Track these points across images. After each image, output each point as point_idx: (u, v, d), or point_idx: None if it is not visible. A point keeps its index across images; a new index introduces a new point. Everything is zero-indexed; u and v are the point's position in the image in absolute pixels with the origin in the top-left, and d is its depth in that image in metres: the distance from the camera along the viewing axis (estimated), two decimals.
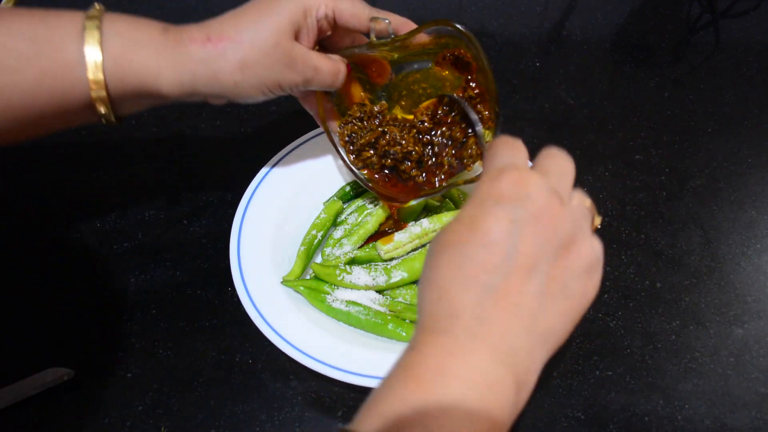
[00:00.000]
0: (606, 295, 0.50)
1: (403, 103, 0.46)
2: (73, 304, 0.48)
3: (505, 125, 0.62)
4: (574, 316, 0.28)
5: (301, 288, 0.45)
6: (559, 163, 0.30)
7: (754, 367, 0.46)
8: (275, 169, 0.51)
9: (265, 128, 0.62)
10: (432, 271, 0.27)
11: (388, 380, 0.25)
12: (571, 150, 0.63)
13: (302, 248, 0.48)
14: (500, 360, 0.25)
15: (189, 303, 0.46)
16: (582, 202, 0.30)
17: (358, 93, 0.47)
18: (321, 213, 0.51)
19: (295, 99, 0.64)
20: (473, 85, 0.42)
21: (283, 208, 0.50)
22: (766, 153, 0.62)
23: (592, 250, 0.28)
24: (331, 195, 0.53)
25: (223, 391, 0.44)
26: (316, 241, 0.49)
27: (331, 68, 0.42)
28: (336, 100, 0.47)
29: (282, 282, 0.45)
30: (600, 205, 0.56)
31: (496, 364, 0.25)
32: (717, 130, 0.64)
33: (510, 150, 0.29)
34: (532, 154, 0.52)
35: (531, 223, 0.26)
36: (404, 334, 0.43)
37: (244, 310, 0.43)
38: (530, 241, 0.26)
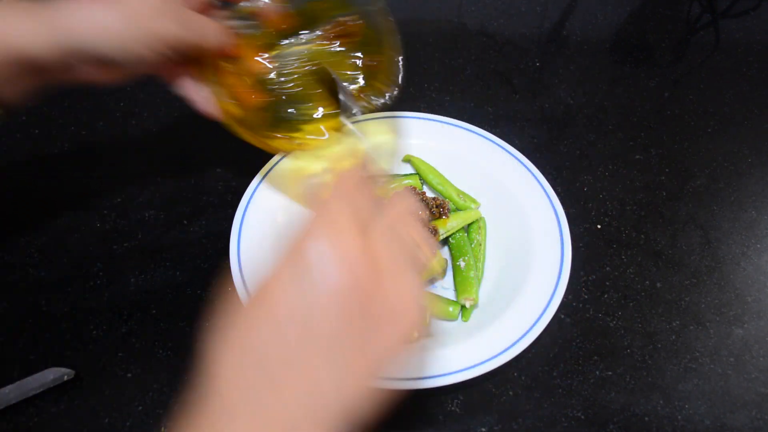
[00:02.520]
0: (606, 295, 0.50)
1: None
2: (73, 304, 0.48)
3: (505, 125, 0.63)
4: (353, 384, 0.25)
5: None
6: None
7: (754, 367, 0.46)
8: (275, 169, 0.51)
9: None
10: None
11: None
12: (571, 150, 0.63)
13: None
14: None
15: (189, 303, 0.46)
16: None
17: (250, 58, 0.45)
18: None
19: None
20: (361, 56, 0.42)
21: (284, 208, 0.50)
22: (766, 153, 0.62)
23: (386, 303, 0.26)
24: None
25: None
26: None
27: (218, 28, 0.40)
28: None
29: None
30: (600, 205, 0.56)
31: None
32: (717, 130, 0.64)
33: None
34: (532, 154, 0.52)
35: (324, 305, 0.25)
36: None
37: None
38: (324, 323, 0.25)
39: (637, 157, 0.61)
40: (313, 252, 0.25)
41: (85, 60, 0.37)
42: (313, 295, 0.25)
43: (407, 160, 0.55)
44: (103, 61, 0.37)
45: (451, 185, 0.53)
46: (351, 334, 0.25)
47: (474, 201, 0.52)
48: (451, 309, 0.45)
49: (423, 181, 0.54)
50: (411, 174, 0.54)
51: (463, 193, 0.53)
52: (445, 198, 0.52)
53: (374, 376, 0.26)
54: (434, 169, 0.54)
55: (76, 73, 0.38)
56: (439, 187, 0.53)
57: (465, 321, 0.46)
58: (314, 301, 0.25)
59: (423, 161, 0.54)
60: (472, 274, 0.47)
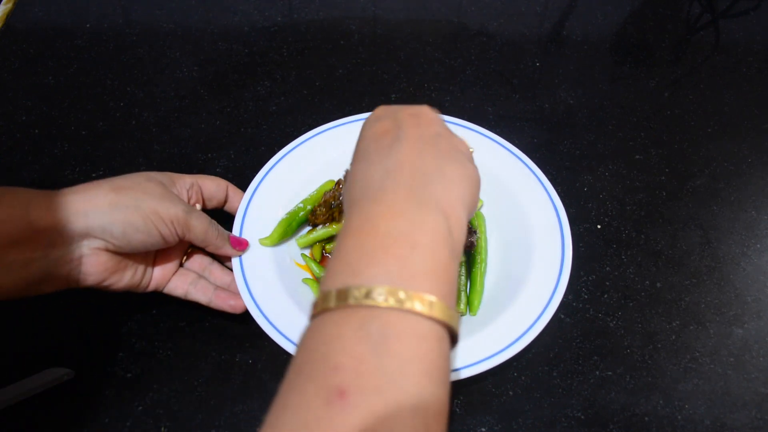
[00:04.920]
0: (606, 295, 0.50)
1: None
2: (73, 304, 0.48)
3: (505, 125, 0.63)
4: (471, 176, 0.33)
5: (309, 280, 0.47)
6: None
7: (754, 367, 0.46)
8: (275, 169, 0.51)
9: (265, 128, 0.62)
10: (350, 176, 0.34)
11: (339, 239, 0.29)
12: (571, 150, 0.63)
13: (285, 216, 0.49)
14: (418, 198, 0.30)
15: (189, 303, 0.46)
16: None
17: None
18: (313, 191, 0.52)
19: (294, 101, 0.65)
20: None
21: (284, 208, 0.50)
22: (766, 153, 0.62)
23: (460, 141, 0.36)
24: None
25: (223, 391, 0.44)
26: (301, 213, 0.49)
27: (206, 220, 0.43)
28: None
29: (259, 241, 0.47)
30: (600, 205, 0.56)
31: (415, 203, 0.29)
32: (717, 130, 0.64)
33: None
34: (532, 154, 0.52)
35: (409, 118, 0.34)
36: None
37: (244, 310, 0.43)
38: (413, 129, 0.33)
39: (637, 157, 0.61)
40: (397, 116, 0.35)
41: (85, 236, 0.39)
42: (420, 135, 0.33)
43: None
44: (102, 235, 0.39)
45: None
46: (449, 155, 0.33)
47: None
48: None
49: None
50: None
51: None
52: None
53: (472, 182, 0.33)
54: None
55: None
56: None
57: (473, 315, 0.46)
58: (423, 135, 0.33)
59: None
60: (460, 287, 0.47)
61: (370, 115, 0.36)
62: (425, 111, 0.35)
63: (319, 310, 0.26)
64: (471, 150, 0.37)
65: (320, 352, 0.25)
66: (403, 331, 0.25)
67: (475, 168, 0.34)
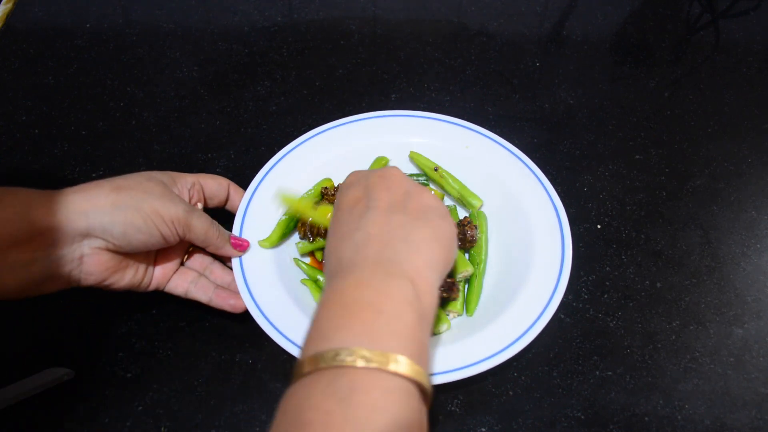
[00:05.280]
0: (606, 295, 0.50)
1: None
2: (73, 304, 0.48)
3: (505, 125, 0.63)
4: (439, 237, 0.35)
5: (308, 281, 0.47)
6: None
7: (754, 367, 0.46)
8: (275, 169, 0.51)
9: (265, 128, 0.62)
10: (327, 246, 0.36)
11: (317, 316, 0.31)
12: (571, 150, 0.63)
13: (284, 217, 0.49)
14: (384, 269, 0.32)
15: (189, 303, 0.46)
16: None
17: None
18: (311, 189, 0.52)
19: (294, 101, 0.65)
20: None
21: (284, 208, 0.50)
22: (766, 153, 0.62)
23: (430, 196, 0.37)
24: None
25: (223, 391, 0.44)
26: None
27: (207, 221, 0.43)
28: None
29: (258, 243, 0.47)
30: (600, 205, 0.56)
31: (382, 274, 0.31)
32: (717, 130, 0.64)
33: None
34: (532, 154, 0.52)
35: (379, 181, 0.37)
36: None
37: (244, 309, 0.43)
38: (383, 193, 0.36)
39: (637, 157, 0.61)
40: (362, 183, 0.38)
41: (87, 238, 0.39)
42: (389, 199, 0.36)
43: (411, 157, 0.55)
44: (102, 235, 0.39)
45: (457, 180, 0.53)
46: (419, 220, 0.35)
47: (477, 198, 0.52)
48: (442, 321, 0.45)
49: (426, 177, 0.54)
50: (416, 174, 0.55)
51: (466, 190, 0.52)
52: (448, 193, 0.53)
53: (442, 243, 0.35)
54: (438, 166, 0.54)
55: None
56: (448, 184, 0.52)
57: (470, 315, 0.46)
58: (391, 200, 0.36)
59: (427, 158, 0.54)
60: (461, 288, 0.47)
61: (344, 182, 0.39)
62: (393, 172, 0.38)
63: (296, 378, 0.28)
64: (445, 207, 0.38)
65: (294, 411, 0.27)
66: (370, 385, 0.27)
67: (447, 222, 0.36)
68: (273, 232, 0.48)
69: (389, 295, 0.30)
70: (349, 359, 0.27)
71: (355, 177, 0.39)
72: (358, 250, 0.33)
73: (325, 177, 0.52)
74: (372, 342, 0.28)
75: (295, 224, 0.50)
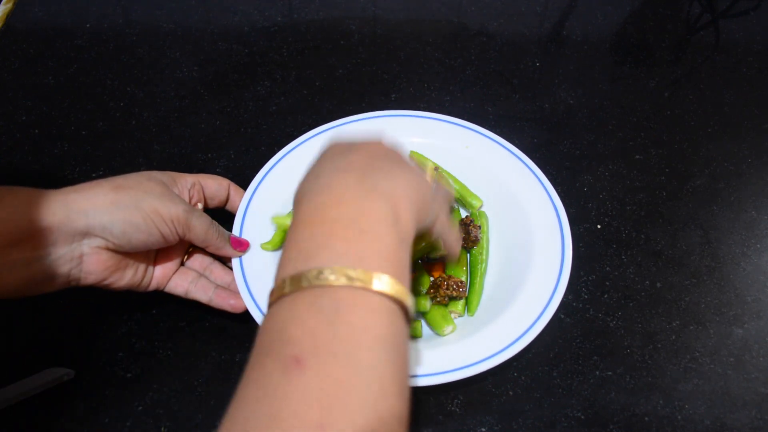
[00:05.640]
0: (606, 295, 0.50)
1: None
2: (73, 304, 0.48)
3: (505, 125, 0.63)
4: (418, 185, 0.33)
5: None
6: None
7: (754, 367, 0.46)
8: (275, 169, 0.51)
9: (265, 128, 0.62)
10: (302, 179, 0.34)
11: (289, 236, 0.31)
12: (571, 150, 0.63)
13: (287, 220, 0.49)
14: (365, 190, 0.31)
15: (189, 303, 0.46)
16: None
17: None
18: None
19: (294, 101, 0.65)
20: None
21: (284, 207, 0.50)
22: (766, 153, 0.62)
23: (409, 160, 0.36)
24: None
25: (223, 391, 0.44)
26: None
27: (207, 221, 0.43)
28: None
29: (261, 246, 0.47)
30: (600, 205, 0.56)
31: (362, 194, 0.30)
32: (717, 130, 0.64)
33: None
34: (532, 154, 0.52)
35: (362, 142, 0.35)
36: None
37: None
38: (364, 146, 0.34)
39: (637, 157, 0.61)
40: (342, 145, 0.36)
41: (86, 235, 0.38)
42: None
43: (410, 157, 0.55)
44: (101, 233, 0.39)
45: (457, 180, 0.53)
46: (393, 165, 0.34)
47: (477, 198, 0.52)
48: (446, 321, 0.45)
49: None
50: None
51: (466, 190, 0.52)
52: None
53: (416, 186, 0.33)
54: (438, 166, 0.54)
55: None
56: (447, 184, 0.53)
57: (471, 315, 0.46)
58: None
59: (427, 158, 0.54)
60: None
61: (327, 144, 0.38)
62: (380, 140, 0.37)
63: (275, 298, 0.28)
64: (432, 174, 0.38)
65: (276, 330, 0.27)
66: (354, 304, 0.27)
67: (425, 179, 0.35)
68: (275, 235, 0.48)
69: (371, 216, 0.30)
70: (332, 278, 0.27)
71: (338, 139, 0.38)
72: (338, 171, 0.32)
73: None
74: (355, 261, 0.27)
75: None
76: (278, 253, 0.47)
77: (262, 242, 0.47)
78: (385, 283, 0.27)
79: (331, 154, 0.35)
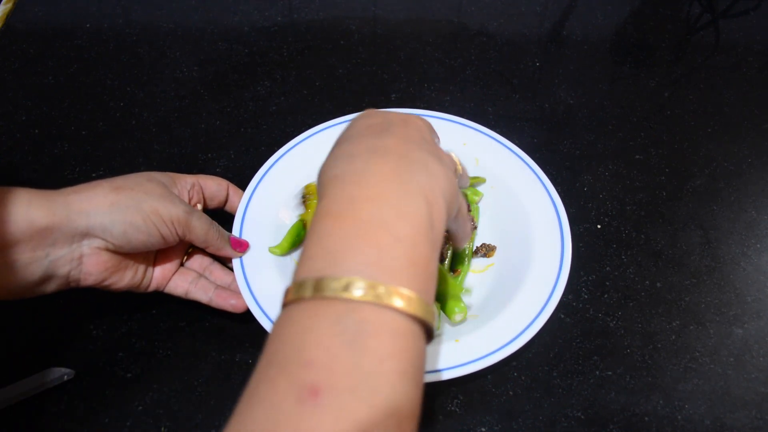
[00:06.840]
0: (606, 295, 0.50)
1: None
2: (73, 304, 0.48)
3: (505, 125, 0.63)
4: (451, 179, 0.32)
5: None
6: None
7: (754, 367, 0.46)
8: (275, 169, 0.51)
9: (265, 128, 0.62)
10: (329, 156, 0.33)
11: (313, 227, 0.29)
12: (571, 150, 0.63)
13: (296, 222, 0.49)
14: (402, 183, 0.29)
15: (189, 303, 0.46)
16: None
17: None
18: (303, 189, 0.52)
19: (294, 101, 0.65)
20: None
21: (284, 207, 0.50)
22: (766, 153, 0.62)
23: (444, 152, 0.35)
24: None
25: (223, 391, 0.44)
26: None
27: (207, 221, 0.43)
28: None
29: (269, 250, 0.47)
30: (600, 205, 0.56)
31: (399, 188, 0.29)
32: (717, 130, 0.64)
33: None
34: (532, 154, 0.52)
35: (399, 119, 0.34)
36: None
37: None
38: (401, 128, 0.33)
39: (637, 157, 0.61)
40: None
41: (85, 235, 0.39)
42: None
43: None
44: (100, 234, 0.39)
45: None
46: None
47: (476, 192, 0.52)
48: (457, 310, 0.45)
49: None
50: None
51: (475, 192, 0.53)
52: None
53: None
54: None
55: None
56: None
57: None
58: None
59: None
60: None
61: (361, 113, 0.36)
62: (415, 117, 0.35)
63: (293, 298, 0.26)
64: (458, 167, 0.37)
65: (293, 344, 0.24)
66: (381, 327, 0.25)
67: (454, 176, 0.34)
68: (284, 239, 0.47)
69: (407, 218, 0.28)
70: (359, 294, 0.24)
71: (373, 111, 0.36)
72: (375, 153, 0.30)
73: None
74: (385, 274, 0.25)
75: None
76: (279, 256, 0.47)
77: (261, 243, 0.47)
78: (414, 304, 0.25)
79: (366, 125, 0.33)
